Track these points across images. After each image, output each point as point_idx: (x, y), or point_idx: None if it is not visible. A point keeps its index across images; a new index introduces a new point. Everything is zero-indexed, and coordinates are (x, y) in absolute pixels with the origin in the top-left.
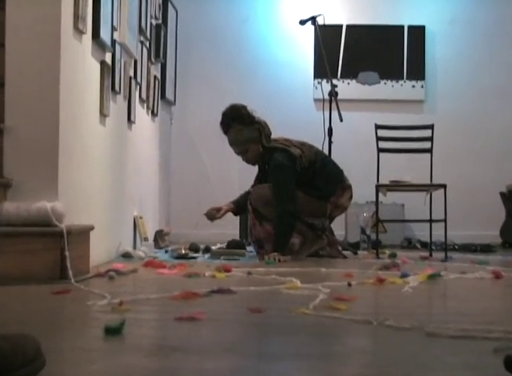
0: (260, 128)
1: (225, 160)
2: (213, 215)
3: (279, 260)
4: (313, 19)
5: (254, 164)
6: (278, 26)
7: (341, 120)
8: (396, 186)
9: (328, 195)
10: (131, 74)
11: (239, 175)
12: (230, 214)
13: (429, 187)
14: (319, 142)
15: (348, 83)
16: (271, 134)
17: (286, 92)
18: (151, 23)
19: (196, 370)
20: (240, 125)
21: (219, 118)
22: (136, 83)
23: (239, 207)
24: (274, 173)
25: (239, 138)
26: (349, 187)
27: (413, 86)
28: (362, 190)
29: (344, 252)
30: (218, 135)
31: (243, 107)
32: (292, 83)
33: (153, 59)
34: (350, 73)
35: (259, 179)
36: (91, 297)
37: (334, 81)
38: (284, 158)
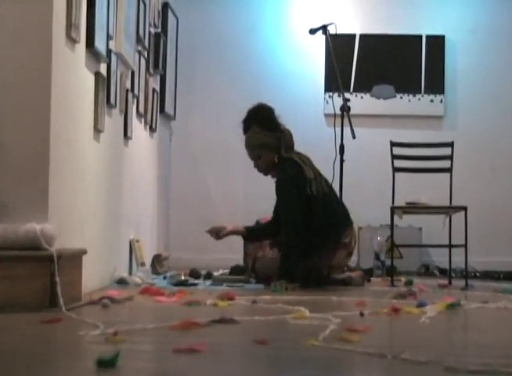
0: (281, 137)
1: (229, 179)
2: (217, 232)
3: (286, 288)
4: (324, 28)
5: (265, 174)
6: (286, 35)
7: (354, 137)
8: (413, 207)
9: (320, 246)
10: (128, 86)
11: (244, 196)
12: (235, 237)
13: (448, 209)
14: (329, 160)
15: (362, 97)
16: (293, 145)
17: (295, 106)
18: (150, 32)
19: None
20: (260, 128)
21: (223, 134)
22: (133, 96)
23: (252, 235)
24: (279, 187)
25: (254, 141)
26: (345, 246)
27: (432, 100)
28: (375, 213)
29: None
30: (221, 152)
31: (270, 110)
32: (301, 96)
33: (151, 71)
34: (363, 86)
35: (276, 209)
36: (83, 326)
37: (346, 95)
38: (293, 171)
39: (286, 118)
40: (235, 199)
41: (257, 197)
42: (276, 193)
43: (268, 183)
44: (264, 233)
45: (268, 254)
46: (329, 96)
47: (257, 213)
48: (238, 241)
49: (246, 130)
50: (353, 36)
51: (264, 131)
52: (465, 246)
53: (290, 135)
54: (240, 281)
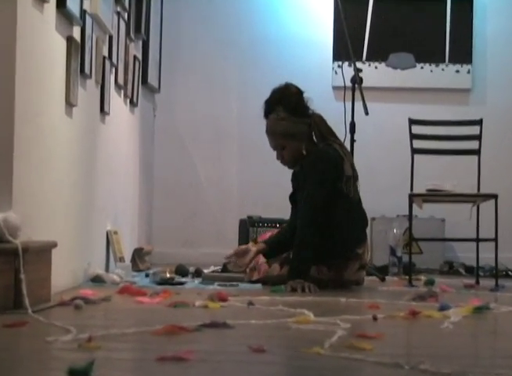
0: (312, 124)
1: (221, 163)
2: (242, 261)
3: (304, 289)
4: None
5: (290, 167)
6: None
7: (367, 113)
8: (435, 195)
9: (333, 252)
10: (105, 53)
11: (239, 184)
12: (228, 228)
13: (476, 198)
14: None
15: (376, 67)
16: (327, 133)
17: (298, 77)
18: None
19: None
20: (286, 113)
21: (215, 110)
22: (111, 65)
23: (273, 249)
24: (310, 164)
25: (278, 128)
26: (357, 257)
27: (457, 71)
28: (391, 201)
29: (369, 278)
30: (213, 132)
31: (299, 92)
32: (306, 66)
33: (132, 36)
34: (378, 54)
35: (293, 195)
36: (52, 331)
37: (358, 65)
38: (333, 154)
39: None
40: (228, 187)
41: (253, 185)
42: (305, 172)
43: (269, 170)
44: (285, 245)
45: (274, 269)
46: (339, 66)
47: (253, 204)
48: (232, 233)
49: (268, 113)
50: None
51: (290, 116)
52: (495, 240)
53: (323, 121)
54: (234, 280)
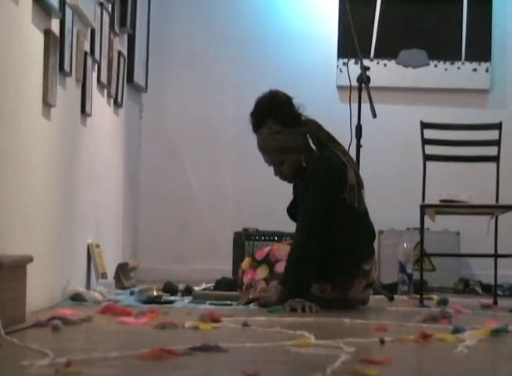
0: (308, 132)
1: (215, 171)
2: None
3: (304, 309)
4: None
5: (291, 181)
6: None
7: (375, 115)
8: (449, 206)
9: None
10: (87, 48)
11: (234, 191)
12: (221, 240)
13: (494, 209)
14: (344, 144)
15: (385, 64)
16: (329, 139)
17: (300, 76)
18: None
19: None
20: (278, 125)
21: (208, 112)
22: (94, 61)
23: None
24: (310, 171)
25: (272, 143)
26: (364, 275)
27: (475, 70)
28: (401, 213)
29: (376, 297)
30: (206, 136)
31: (288, 99)
32: (308, 64)
33: (117, 29)
34: (387, 51)
35: (292, 207)
36: (27, 355)
37: (366, 62)
38: (334, 160)
39: (289, 92)
40: (222, 196)
41: (250, 194)
42: (305, 182)
43: (268, 177)
44: None
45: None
46: (344, 64)
47: (250, 215)
48: (226, 247)
49: (257, 127)
50: None
51: (284, 128)
52: None
53: (319, 127)
54: (228, 298)
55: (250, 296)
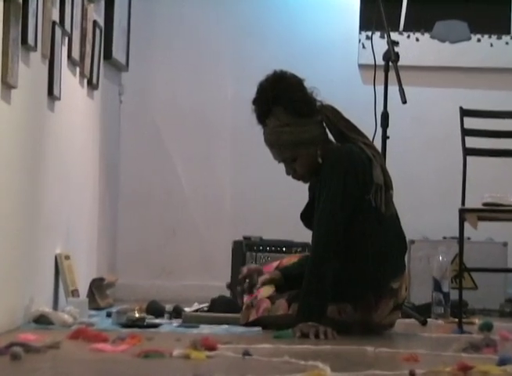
0: (325, 121)
1: (210, 165)
2: (251, 280)
3: (318, 335)
4: None
5: (306, 181)
6: None
7: (404, 101)
8: (494, 211)
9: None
10: (56, 17)
11: (233, 192)
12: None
13: None
14: (367, 135)
15: (417, 39)
16: (350, 128)
17: (315, 54)
18: None
19: None
20: (287, 115)
21: (201, 96)
22: (64, 33)
23: (290, 282)
24: (327, 168)
25: (283, 137)
26: (392, 294)
27: None
28: (436, 219)
29: (405, 320)
30: (199, 125)
31: (298, 82)
32: (324, 38)
33: None
34: (420, 23)
35: (308, 211)
36: None
37: (394, 36)
38: (357, 153)
39: (302, 71)
40: (218, 197)
41: (253, 195)
42: (321, 180)
43: (274, 175)
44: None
45: (280, 307)
46: (367, 37)
47: (252, 221)
48: (223, 260)
49: (262, 117)
50: None
51: (294, 118)
52: None
53: (338, 114)
54: (226, 322)
55: (251, 319)
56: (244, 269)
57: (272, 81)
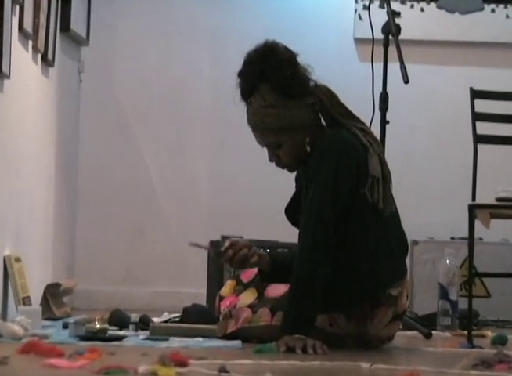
0: (317, 103)
1: (184, 154)
2: (240, 253)
3: (306, 349)
4: None
5: (291, 170)
6: None
7: (406, 80)
8: (510, 207)
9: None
10: None
11: (210, 184)
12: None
13: None
14: (363, 120)
15: (422, 9)
16: (345, 113)
17: (305, 26)
18: None
19: None
20: (274, 94)
21: (173, 73)
22: (13, 1)
23: (277, 267)
24: (315, 157)
25: (266, 120)
26: (390, 302)
27: None
28: (442, 216)
29: (407, 333)
30: (172, 106)
31: (291, 57)
32: (315, 8)
33: None
34: None
35: (293, 205)
36: None
37: (395, 5)
38: (350, 140)
39: (291, 45)
40: (193, 191)
41: (233, 188)
42: (309, 170)
43: (258, 165)
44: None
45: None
46: (364, 7)
47: (231, 218)
48: (198, 263)
49: (247, 93)
50: None
51: (284, 99)
52: None
53: (333, 97)
54: (200, 334)
55: (229, 330)
56: (227, 241)
57: (260, 53)
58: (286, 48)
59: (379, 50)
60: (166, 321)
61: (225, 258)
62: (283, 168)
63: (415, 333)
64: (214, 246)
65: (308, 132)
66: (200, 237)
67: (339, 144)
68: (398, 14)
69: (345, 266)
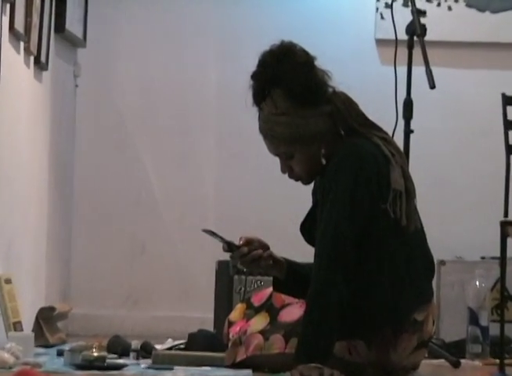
0: (334, 112)
1: (190, 165)
2: (256, 253)
3: None
4: None
5: (306, 183)
6: None
7: (433, 85)
8: None
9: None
10: None
11: (217, 199)
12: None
13: None
14: (385, 128)
15: (449, 7)
16: (365, 123)
17: (322, 26)
18: None
19: None
20: (287, 101)
21: (178, 77)
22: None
23: (293, 274)
24: (332, 171)
25: (278, 129)
26: (415, 328)
27: None
28: (471, 234)
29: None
30: (176, 113)
31: (308, 61)
32: (333, 6)
33: None
34: None
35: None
36: None
37: (420, 4)
38: (368, 152)
39: (308, 47)
40: (199, 206)
41: (242, 203)
42: (325, 184)
43: (269, 177)
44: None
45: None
46: (387, 5)
47: (240, 235)
48: (204, 284)
49: (258, 97)
50: None
51: (296, 107)
52: None
53: (352, 105)
54: (207, 362)
55: (238, 359)
56: (243, 238)
57: (275, 55)
58: (304, 51)
59: (402, 52)
60: (170, 348)
61: (238, 252)
62: (296, 180)
63: (442, 361)
64: (229, 243)
65: (324, 143)
66: (206, 256)
67: (358, 154)
68: (423, 13)
69: (365, 288)
